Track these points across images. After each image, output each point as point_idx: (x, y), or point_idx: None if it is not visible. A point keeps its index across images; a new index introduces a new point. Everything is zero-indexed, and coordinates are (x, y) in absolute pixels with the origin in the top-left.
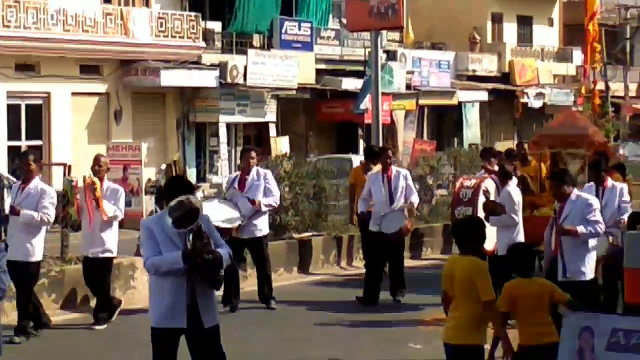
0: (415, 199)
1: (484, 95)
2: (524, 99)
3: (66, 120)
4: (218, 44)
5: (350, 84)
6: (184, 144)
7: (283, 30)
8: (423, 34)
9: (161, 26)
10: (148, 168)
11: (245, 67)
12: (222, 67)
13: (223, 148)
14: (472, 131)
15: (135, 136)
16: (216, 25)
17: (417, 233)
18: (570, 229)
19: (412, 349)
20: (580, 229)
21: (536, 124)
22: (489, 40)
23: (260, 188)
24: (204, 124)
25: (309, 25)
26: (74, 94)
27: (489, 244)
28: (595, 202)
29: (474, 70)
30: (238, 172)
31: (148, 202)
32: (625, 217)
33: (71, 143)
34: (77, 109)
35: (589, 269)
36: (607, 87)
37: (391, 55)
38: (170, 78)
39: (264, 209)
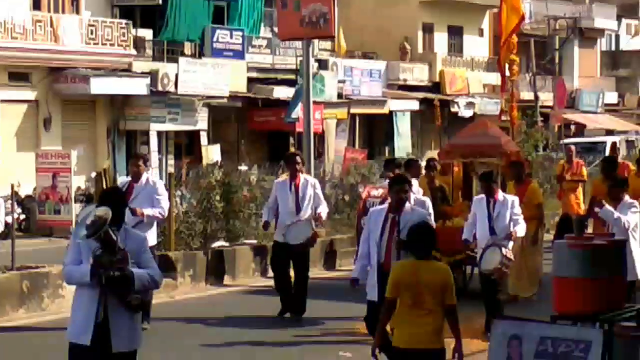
0: (323, 208)
1: (415, 105)
2: (455, 109)
3: None
4: (149, 51)
5: (282, 92)
6: (114, 151)
7: (214, 39)
8: (354, 44)
9: (91, 33)
10: (78, 176)
11: (177, 75)
12: (153, 75)
13: (154, 156)
14: (403, 140)
15: (64, 144)
16: (147, 33)
17: (331, 243)
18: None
19: (342, 358)
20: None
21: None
22: (420, 50)
23: (147, 197)
24: (135, 131)
25: (240, 33)
26: (2, 101)
27: None
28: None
29: (405, 80)
30: (128, 179)
31: (77, 210)
32: (517, 228)
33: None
34: (5, 116)
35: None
36: (536, 97)
37: (323, 64)
38: (101, 86)
39: (146, 220)
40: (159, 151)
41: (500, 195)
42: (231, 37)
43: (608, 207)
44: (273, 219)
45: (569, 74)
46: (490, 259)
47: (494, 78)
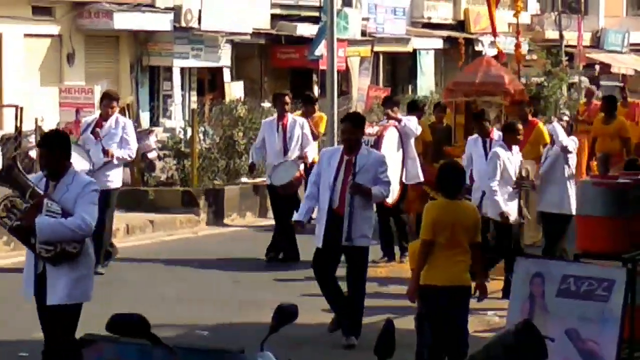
0: (311, 148)
1: (438, 43)
2: (479, 47)
3: (18, 62)
4: None
5: (306, 29)
6: (137, 87)
7: None
8: None
9: None
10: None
11: (200, 11)
12: (176, 10)
13: (177, 92)
14: (426, 79)
15: (88, 79)
16: None
17: None
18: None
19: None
20: None
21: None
22: None
23: (116, 137)
24: (158, 67)
25: None
26: (26, 35)
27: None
28: None
29: (429, 18)
30: (95, 116)
31: None
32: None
33: (23, 85)
34: (29, 51)
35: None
36: (561, 36)
37: (347, 1)
38: (124, 21)
39: (115, 161)
40: (182, 87)
41: (495, 134)
42: None
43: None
44: (261, 160)
45: (594, 13)
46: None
47: (519, 17)
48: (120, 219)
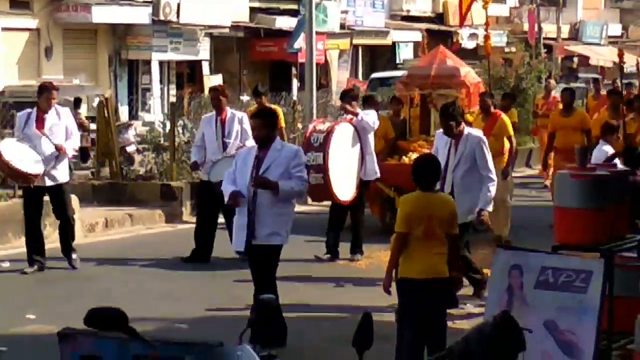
0: (250, 144)
1: (418, 36)
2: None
3: None
4: None
5: (285, 22)
6: (115, 81)
7: None
8: None
9: None
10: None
11: (179, 5)
12: (155, 3)
13: (155, 86)
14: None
15: (66, 72)
16: None
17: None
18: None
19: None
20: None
21: (469, 65)
22: None
23: (61, 130)
24: (136, 61)
25: None
26: (4, 29)
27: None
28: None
29: (408, 11)
30: (30, 110)
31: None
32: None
33: (1, 79)
34: (7, 45)
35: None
36: (540, 28)
37: None
38: (102, 14)
39: (70, 154)
40: (161, 81)
41: (465, 129)
42: None
43: None
44: (203, 159)
45: (573, 6)
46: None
47: (498, 9)
48: (99, 213)
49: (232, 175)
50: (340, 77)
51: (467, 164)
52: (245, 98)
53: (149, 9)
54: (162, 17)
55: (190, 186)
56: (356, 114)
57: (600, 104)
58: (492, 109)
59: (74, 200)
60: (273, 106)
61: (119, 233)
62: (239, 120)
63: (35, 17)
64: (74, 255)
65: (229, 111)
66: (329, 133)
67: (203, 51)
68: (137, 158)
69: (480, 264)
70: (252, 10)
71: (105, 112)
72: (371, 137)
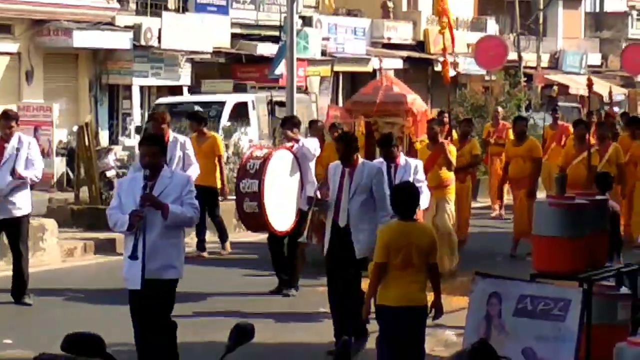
0: (193, 170)
1: (399, 63)
2: (438, 68)
3: None
4: (132, 5)
5: (266, 49)
6: (96, 105)
7: None
8: (339, 1)
9: None
10: (60, 129)
11: (160, 30)
12: (136, 29)
13: (136, 111)
14: None
15: (46, 97)
16: None
17: None
18: None
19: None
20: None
21: (449, 92)
22: (405, 8)
23: (21, 159)
24: (117, 86)
25: None
26: None
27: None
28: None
29: (389, 38)
30: None
31: (59, 164)
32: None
33: None
34: None
35: None
36: (520, 57)
37: (307, 21)
38: (83, 39)
39: (29, 181)
40: (141, 106)
41: (402, 159)
42: None
43: None
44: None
45: (552, 35)
46: None
47: (478, 38)
48: (78, 237)
49: (117, 209)
50: (321, 104)
51: (364, 195)
52: (226, 123)
53: (130, 34)
54: (143, 43)
55: None
56: (297, 140)
57: (558, 134)
58: (439, 138)
59: (52, 224)
60: (212, 133)
61: (97, 258)
62: (182, 146)
63: (16, 41)
64: (27, 300)
65: (171, 135)
66: (265, 160)
67: (184, 76)
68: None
69: (459, 291)
70: (234, 36)
71: (85, 136)
72: (312, 165)
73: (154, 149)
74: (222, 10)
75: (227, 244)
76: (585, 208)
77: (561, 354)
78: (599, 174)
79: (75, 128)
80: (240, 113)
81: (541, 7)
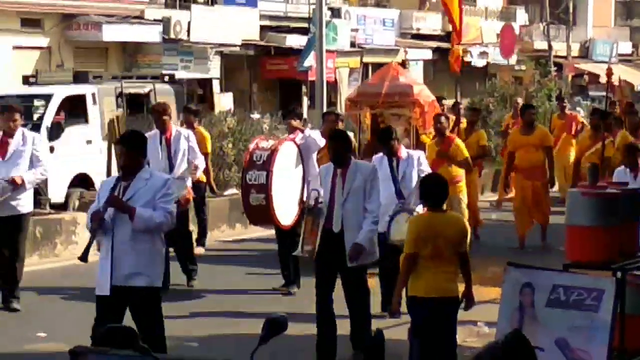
0: (200, 162)
1: (428, 54)
2: (468, 58)
3: (8, 74)
4: None
5: (295, 41)
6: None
7: None
8: None
9: None
10: None
11: (189, 23)
12: (165, 22)
13: None
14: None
15: None
16: None
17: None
18: None
19: None
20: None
21: (479, 83)
22: None
23: (25, 156)
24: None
25: None
26: (15, 47)
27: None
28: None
29: (418, 29)
30: None
31: None
32: None
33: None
34: (18, 63)
35: None
36: (550, 46)
37: (335, 13)
38: (113, 33)
39: (28, 186)
40: None
41: (403, 152)
42: None
43: None
44: None
45: (582, 24)
46: (401, 228)
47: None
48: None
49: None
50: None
51: (358, 198)
52: (255, 116)
53: (160, 28)
54: (172, 36)
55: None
56: (302, 130)
57: (566, 124)
58: (447, 132)
59: (84, 218)
60: (201, 129)
61: None
62: (186, 138)
63: (47, 35)
64: (15, 304)
65: (174, 129)
66: (273, 151)
67: (213, 69)
68: None
69: (490, 282)
70: (263, 28)
71: (116, 130)
72: (314, 159)
73: (130, 149)
74: (251, 2)
75: (202, 247)
76: (617, 197)
77: (594, 344)
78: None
79: (106, 122)
80: (77, 108)
81: None
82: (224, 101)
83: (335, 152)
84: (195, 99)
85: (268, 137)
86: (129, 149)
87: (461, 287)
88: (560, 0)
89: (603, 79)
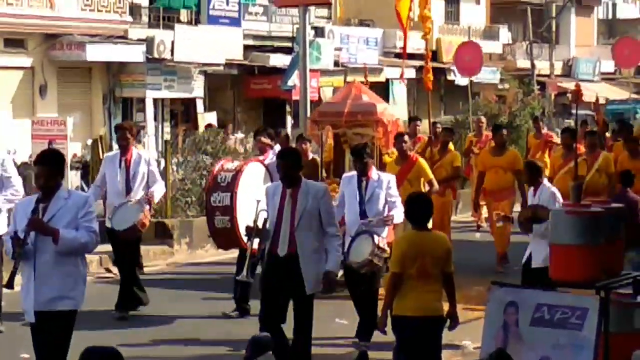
0: (158, 188)
1: (411, 73)
2: (451, 77)
3: None
4: (145, 18)
5: (279, 60)
6: (110, 119)
7: (211, 6)
8: (351, 11)
9: (87, 0)
10: (74, 143)
11: (173, 43)
12: (149, 42)
13: (150, 123)
14: (399, 108)
15: (60, 111)
16: (143, 0)
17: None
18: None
19: (338, 324)
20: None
21: (462, 101)
22: (417, 18)
23: None
24: (131, 98)
25: (237, 0)
26: None
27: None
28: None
29: (401, 48)
30: None
31: (73, 178)
32: (395, 212)
33: None
34: (1, 83)
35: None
36: (533, 65)
37: (319, 32)
38: (97, 52)
39: (8, 205)
40: (155, 118)
41: (374, 173)
42: (227, 4)
43: None
44: (100, 201)
45: (565, 42)
46: (360, 250)
47: (491, 46)
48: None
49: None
50: None
51: (312, 221)
52: (239, 135)
53: (143, 47)
54: (156, 55)
55: (184, 224)
56: (271, 147)
57: (542, 143)
58: (408, 152)
59: None
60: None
61: (113, 271)
62: (146, 162)
63: (30, 55)
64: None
65: (134, 151)
66: (237, 172)
67: (197, 89)
68: None
69: (474, 301)
70: (246, 48)
71: (100, 149)
72: None
73: (48, 169)
74: (235, 22)
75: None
76: (601, 216)
77: None
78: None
79: (89, 141)
80: None
81: (553, 14)
82: (207, 120)
83: (285, 171)
84: (179, 119)
85: (233, 159)
86: (50, 168)
87: (445, 306)
88: (543, 19)
89: (586, 98)
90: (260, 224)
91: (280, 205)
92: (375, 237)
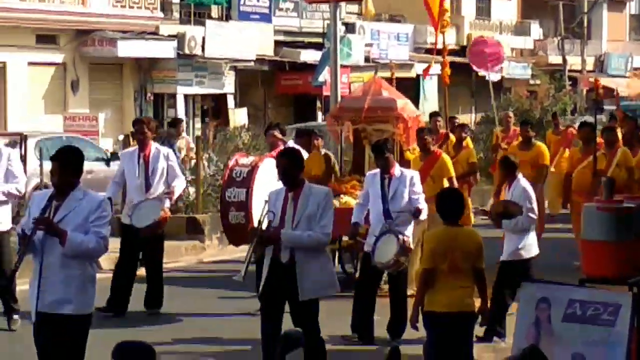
0: (179, 183)
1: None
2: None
3: (22, 91)
4: (176, 14)
5: (309, 56)
6: (141, 114)
7: (241, 2)
8: (381, 6)
9: None
10: (105, 139)
11: (204, 39)
12: (180, 38)
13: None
14: (429, 104)
15: (92, 107)
16: None
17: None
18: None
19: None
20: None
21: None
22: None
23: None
24: (162, 94)
25: None
26: (30, 63)
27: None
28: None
29: (432, 43)
30: None
31: None
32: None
33: (27, 113)
34: (33, 79)
35: None
36: (565, 60)
37: (350, 28)
38: (128, 49)
39: (1, 197)
40: (186, 114)
41: (397, 170)
42: (258, 0)
43: None
44: (120, 197)
45: (597, 38)
46: (385, 250)
47: (522, 42)
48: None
49: (24, 226)
50: None
51: (311, 225)
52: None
53: (174, 43)
54: (187, 51)
55: (215, 219)
56: (284, 142)
57: (562, 139)
58: (431, 148)
59: None
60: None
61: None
62: (165, 157)
63: (62, 51)
64: (14, 316)
65: (153, 146)
66: (253, 168)
67: (228, 85)
68: None
69: None
70: (277, 43)
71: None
72: None
73: (63, 166)
74: (265, 18)
75: None
76: (633, 212)
77: (611, 359)
78: None
79: (120, 137)
80: None
81: (585, 10)
82: (238, 116)
83: (284, 171)
84: (210, 115)
85: (248, 154)
86: (63, 167)
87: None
88: (574, 15)
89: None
90: (264, 226)
91: (283, 211)
92: (400, 236)
